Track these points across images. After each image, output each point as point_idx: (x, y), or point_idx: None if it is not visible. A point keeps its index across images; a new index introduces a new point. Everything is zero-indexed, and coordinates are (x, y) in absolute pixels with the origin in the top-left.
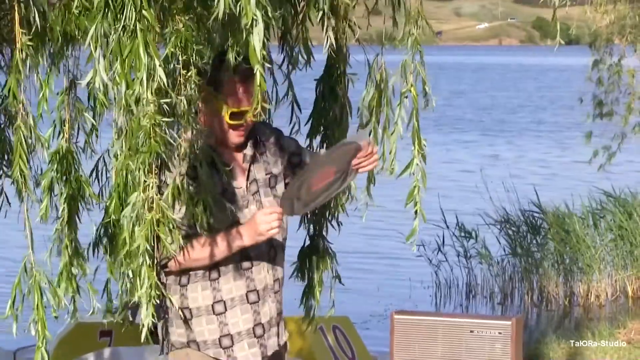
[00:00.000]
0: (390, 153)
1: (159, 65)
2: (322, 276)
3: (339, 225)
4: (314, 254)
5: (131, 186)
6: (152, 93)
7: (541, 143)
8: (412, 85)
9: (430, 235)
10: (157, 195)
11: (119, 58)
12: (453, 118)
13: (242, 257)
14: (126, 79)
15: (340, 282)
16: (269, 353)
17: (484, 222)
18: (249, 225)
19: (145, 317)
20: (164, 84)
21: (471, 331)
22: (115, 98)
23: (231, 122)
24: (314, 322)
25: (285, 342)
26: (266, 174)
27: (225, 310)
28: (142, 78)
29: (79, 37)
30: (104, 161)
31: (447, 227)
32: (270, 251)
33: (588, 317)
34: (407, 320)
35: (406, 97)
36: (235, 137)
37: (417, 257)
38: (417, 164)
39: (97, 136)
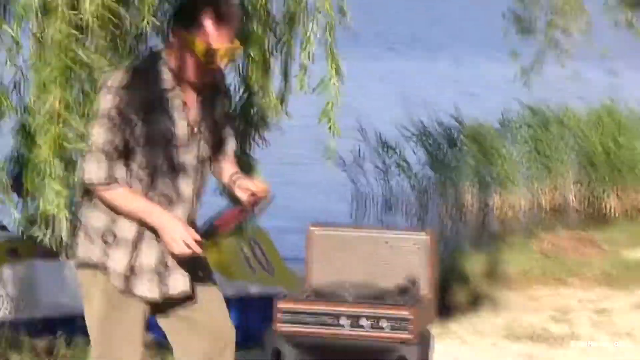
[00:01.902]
0: (302, 69)
1: None
2: None
3: (264, 141)
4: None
5: (43, 98)
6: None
7: (464, 58)
8: (326, 0)
9: (349, 149)
10: (64, 108)
11: None
12: (373, 33)
13: (164, 196)
14: None
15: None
16: (170, 292)
17: (403, 135)
18: (167, 226)
19: (61, 231)
20: None
21: (388, 244)
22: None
23: (206, 60)
24: (243, 236)
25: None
26: (214, 120)
27: (142, 244)
28: None
29: None
30: (22, 72)
31: (366, 140)
32: (192, 194)
33: (503, 228)
34: (324, 233)
35: (320, 12)
36: (204, 77)
37: (335, 170)
38: (332, 81)
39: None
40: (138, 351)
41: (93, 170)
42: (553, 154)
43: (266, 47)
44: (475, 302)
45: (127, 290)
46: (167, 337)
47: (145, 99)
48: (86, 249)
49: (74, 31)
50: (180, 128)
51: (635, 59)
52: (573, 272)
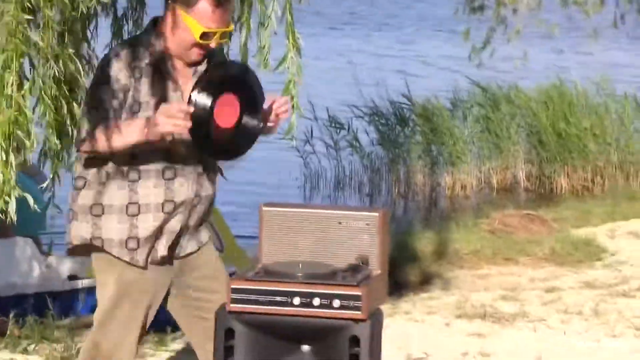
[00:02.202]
0: (263, 47)
1: None
2: None
3: None
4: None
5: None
6: None
7: (418, 36)
8: None
9: (299, 127)
10: (17, 92)
11: None
12: (312, 12)
13: (165, 167)
14: None
15: (222, 175)
16: (181, 254)
17: (354, 114)
18: (158, 116)
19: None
20: None
21: (339, 223)
22: None
23: (201, 41)
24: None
25: (192, 252)
26: None
27: (138, 213)
28: None
29: None
30: None
31: (316, 119)
32: (197, 167)
33: (453, 208)
34: (276, 212)
35: None
36: (196, 55)
37: (286, 148)
38: (292, 58)
39: None
40: (134, 342)
41: (84, 129)
42: (504, 133)
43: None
44: (426, 280)
45: (134, 262)
46: (176, 318)
47: (140, 71)
48: (76, 228)
49: (27, 16)
50: (174, 99)
51: (582, 39)
52: (523, 251)
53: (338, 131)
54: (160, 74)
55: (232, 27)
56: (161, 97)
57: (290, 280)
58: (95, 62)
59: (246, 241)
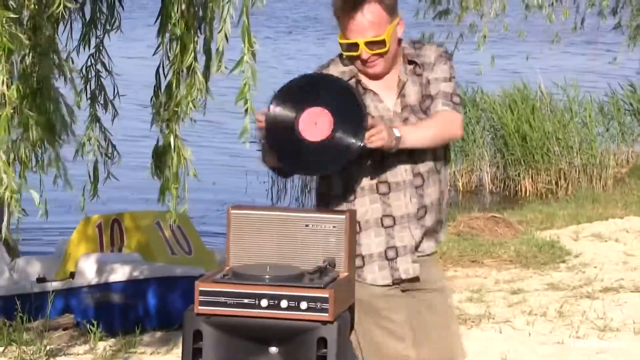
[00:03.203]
0: (217, 50)
1: None
2: (177, 172)
3: (192, 122)
4: (168, 151)
5: None
6: None
7: None
8: None
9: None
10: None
11: None
12: (288, 17)
13: (379, 181)
14: None
15: (195, 177)
16: (403, 277)
17: None
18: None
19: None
20: None
21: (306, 225)
22: None
23: (346, 53)
24: (170, 216)
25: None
26: (421, 97)
27: (360, 231)
28: None
29: None
30: None
31: None
32: (414, 179)
33: None
34: (243, 214)
35: None
36: (361, 67)
37: (254, 151)
38: (247, 62)
39: None
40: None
41: None
42: (469, 136)
43: (191, 26)
44: None
45: (357, 276)
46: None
47: None
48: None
49: (12, 14)
50: (377, 108)
51: (544, 44)
52: (489, 253)
53: None
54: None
55: (382, 35)
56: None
57: (257, 282)
58: (71, 66)
59: (216, 243)
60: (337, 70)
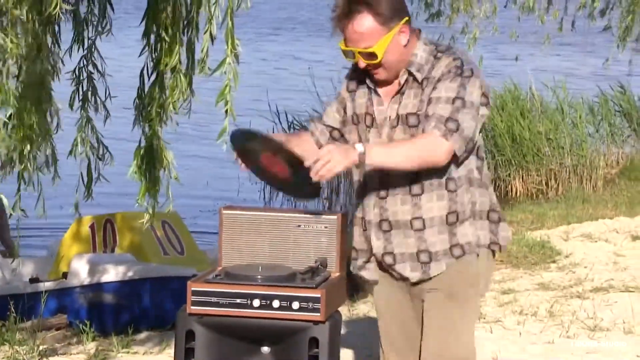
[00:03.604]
0: (202, 51)
1: None
2: (159, 174)
3: (176, 124)
4: (151, 152)
5: None
6: None
7: None
8: None
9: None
10: None
11: None
12: (276, 18)
13: (380, 186)
14: None
15: (177, 180)
16: (398, 280)
17: (312, 117)
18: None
19: None
20: None
21: (298, 226)
22: None
23: (348, 59)
24: (152, 218)
25: (426, 279)
26: (416, 110)
27: (365, 230)
28: None
29: None
30: None
31: (277, 122)
32: (411, 187)
33: None
34: (235, 215)
35: None
36: (364, 68)
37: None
38: (230, 64)
39: None
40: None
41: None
42: None
43: (175, 27)
44: None
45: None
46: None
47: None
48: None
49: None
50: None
51: (534, 45)
52: None
53: None
54: (367, 88)
55: (373, 48)
56: (366, 110)
57: (250, 282)
58: (60, 66)
59: (208, 244)
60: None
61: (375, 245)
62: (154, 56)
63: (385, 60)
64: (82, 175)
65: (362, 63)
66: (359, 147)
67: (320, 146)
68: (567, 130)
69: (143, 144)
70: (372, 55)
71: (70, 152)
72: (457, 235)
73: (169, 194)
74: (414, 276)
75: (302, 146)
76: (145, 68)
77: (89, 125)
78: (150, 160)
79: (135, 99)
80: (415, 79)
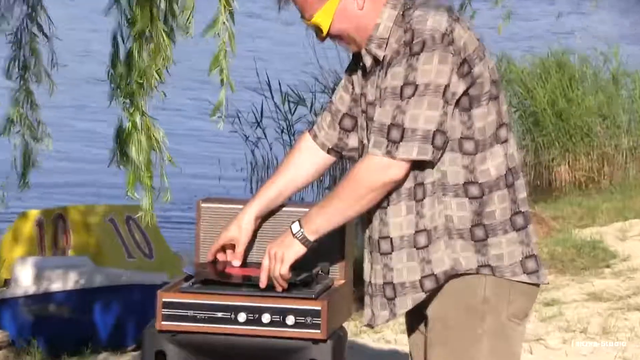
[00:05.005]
0: (185, 10)
1: None
2: (149, 158)
3: (164, 95)
4: (135, 132)
5: None
6: None
7: None
8: None
9: (247, 107)
10: None
11: None
12: None
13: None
14: None
15: (171, 163)
16: (376, 315)
17: (311, 90)
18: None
19: None
20: None
21: (293, 222)
22: None
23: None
24: (145, 216)
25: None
26: (369, 100)
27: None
28: None
29: None
30: None
31: (268, 97)
32: (416, 188)
33: None
34: (215, 208)
35: None
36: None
37: (230, 133)
38: (224, 23)
39: None
40: None
41: None
42: None
43: None
44: None
45: None
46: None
47: None
48: None
49: None
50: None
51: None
52: None
53: (293, 110)
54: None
55: (315, 18)
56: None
57: (233, 292)
58: None
59: (181, 241)
60: None
61: (365, 268)
62: (127, 16)
63: (339, 31)
64: (15, 160)
65: (317, 35)
66: (294, 227)
67: (326, 149)
68: (623, 105)
69: (125, 122)
70: (317, 29)
71: (4, 132)
72: (432, 262)
73: (165, 180)
74: (383, 316)
75: (297, 179)
76: (119, 31)
77: (29, 100)
78: (135, 141)
79: (108, 68)
80: (375, 58)
